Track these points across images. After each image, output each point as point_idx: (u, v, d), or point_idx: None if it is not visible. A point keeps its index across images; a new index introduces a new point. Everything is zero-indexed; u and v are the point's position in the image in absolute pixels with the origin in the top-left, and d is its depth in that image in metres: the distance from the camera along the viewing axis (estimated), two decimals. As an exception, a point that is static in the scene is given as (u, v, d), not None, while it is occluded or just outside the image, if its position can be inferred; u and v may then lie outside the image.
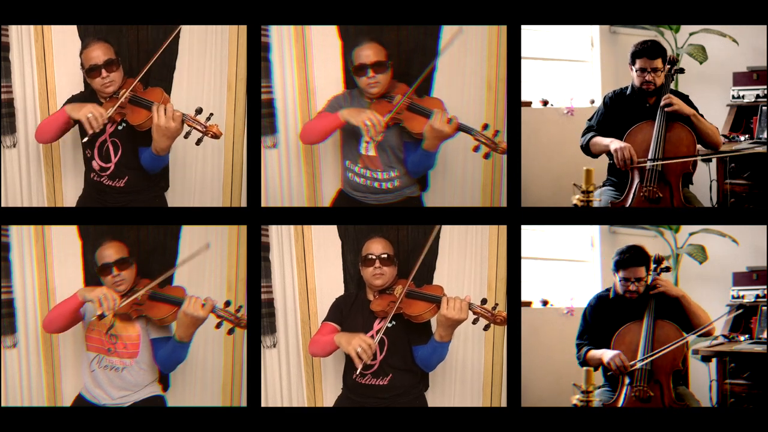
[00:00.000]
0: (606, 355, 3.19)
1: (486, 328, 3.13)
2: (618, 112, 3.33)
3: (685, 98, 3.32)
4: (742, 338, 3.59)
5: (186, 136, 3.15)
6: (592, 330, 3.32)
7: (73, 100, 3.32)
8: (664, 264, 3.28)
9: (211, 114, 3.16)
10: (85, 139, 3.24)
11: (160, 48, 3.25)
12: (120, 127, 3.27)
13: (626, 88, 3.35)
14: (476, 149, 3.21)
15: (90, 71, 3.23)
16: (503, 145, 3.20)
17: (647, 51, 3.26)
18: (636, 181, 3.26)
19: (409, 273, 3.23)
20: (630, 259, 3.23)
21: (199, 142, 3.15)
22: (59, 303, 3.26)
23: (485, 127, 3.20)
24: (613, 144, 3.24)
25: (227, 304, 3.17)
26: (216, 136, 3.14)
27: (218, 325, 3.16)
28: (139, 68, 3.36)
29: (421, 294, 3.19)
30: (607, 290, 3.35)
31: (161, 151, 3.21)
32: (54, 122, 3.26)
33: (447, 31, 3.42)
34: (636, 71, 3.28)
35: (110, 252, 3.25)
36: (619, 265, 3.25)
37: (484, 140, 3.19)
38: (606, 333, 3.26)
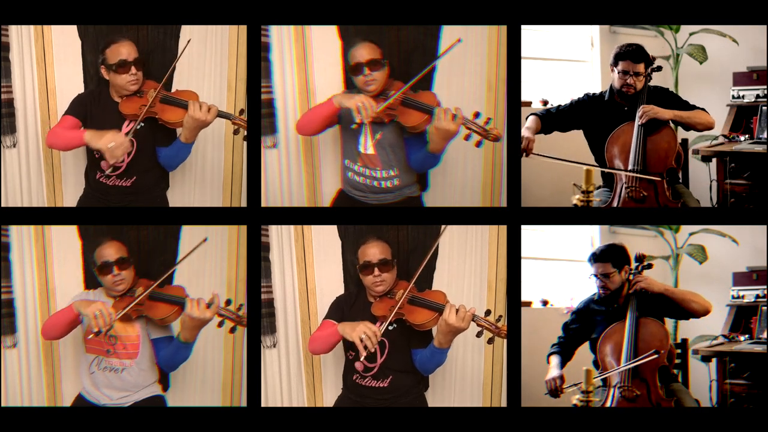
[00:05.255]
0: (550, 372, 3.26)
1: (490, 341, 3.12)
2: (593, 115, 3.35)
3: (663, 91, 3.35)
4: (742, 338, 3.59)
5: (235, 132, 3.28)
6: (572, 334, 3.36)
7: (79, 101, 3.33)
8: (646, 261, 3.29)
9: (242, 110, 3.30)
10: (108, 171, 3.28)
11: (171, 53, 3.35)
12: (138, 127, 3.27)
13: (604, 92, 3.37)
14: (467, 138, 3.18)
15: (120, 67, 3.24)
16: (495, 132, 3.16)
17: (632, 54, 3.27)
18: (621, 181, 3.28)
19: (410, 276, 3.22)
20: (598, 255, 3.26)
21: (236, 132, 3.29)
22: (56, 313, 3.26)
23: (477, 115, 3.18)
24: (525, 131, 3.31)
25: (228, 302, 3.17)
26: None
27: (220, 324, 3.17)
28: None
29: (424, 301, 3.16)
30: (593, 295, 3.34)
31: (189, 139, 3.27)
32: (68, 141, 3.28)
33: (445, 39, 3.43)
34: (618, 73, 3.30)
35: (110, 251, 3.24)
36: (590, 262, 3.28)
37: (476, 128, 3.16)
38: (595, 337, 3.28)
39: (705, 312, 3.23)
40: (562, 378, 3.21)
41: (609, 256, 3.25)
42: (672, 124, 3.31)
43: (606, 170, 3.32)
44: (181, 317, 3.16)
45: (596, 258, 3.27)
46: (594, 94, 3.41)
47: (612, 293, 3.25)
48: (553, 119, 3.38)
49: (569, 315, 3.42)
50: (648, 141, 3.27)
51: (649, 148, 3.27)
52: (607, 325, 3.25)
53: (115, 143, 3.19)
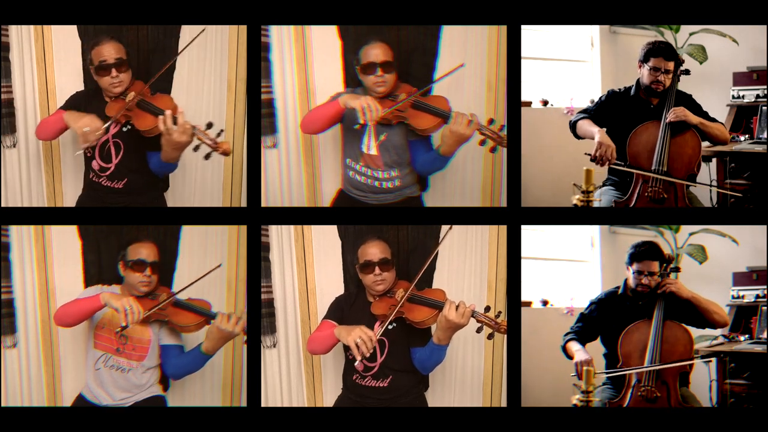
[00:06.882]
0: (578, 355, 3.20)
1: (490, 336, 3.13)
2: (618, 110, 3.34)
3: (687, 97, 3.34)
4: (742, 338, 3.59)
5: (195, 149, 3.15)
6: (590, 324, 3.32)
7: (74, 98, 3.32)
8: (674, 264, 3.29)
9: (222, 130, 3.16)
10: (78, 153, 3.24)
11: (171, 53, 3.31)
12: (125, 129, 3.26)
13: (630, 87, 3.36)
14: (482, 143, 3.21)
15: (100, 69, 3.22)
16: None
17: (664, 51, 3.28)
18: (641, 181, 3.27)
19: (411, 276, 3.23)
20: (645, 252, 3.25)
21: (207, 156, 3.14)
22: (78, 300, 3.22)
23: (491, 121, 3.21)
24: (598, 136, 3.23)
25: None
26: (226, 153, 3.15)
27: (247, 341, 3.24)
28: (139, 68, 3.37)
29: (423, 299, 3.17)
30: (616, 288, 3.35)
31: (172, 160, 3.22)
32: (52, 126, 3.26)
33: (445, 39, 3.43)
34: (649, 69, 3.29)
35: (147, 251, 3.25)
36: (633, 258, 3.26)
37: (490, 134, 3.20)
38: (613, 330, 3.26)
39: (724, 324, 3.27)
40: (591, 361, 3.17)
41: (658, 254, 3.25)
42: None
43: (645, 173, 3.26)
44: (208, 328, 3.17)
45: (646, 255, 3.24)
46: (619, 89, 3.39)
47: (649, 291, 3.25)
48: (594, 118, 3.35)
49: (587, 305, 3.38)
50: (672, 143, 3.27)
51: (673, 151, 3.26)
52: (626, 320, 3.24)
53: (90, 128, 3.14)
